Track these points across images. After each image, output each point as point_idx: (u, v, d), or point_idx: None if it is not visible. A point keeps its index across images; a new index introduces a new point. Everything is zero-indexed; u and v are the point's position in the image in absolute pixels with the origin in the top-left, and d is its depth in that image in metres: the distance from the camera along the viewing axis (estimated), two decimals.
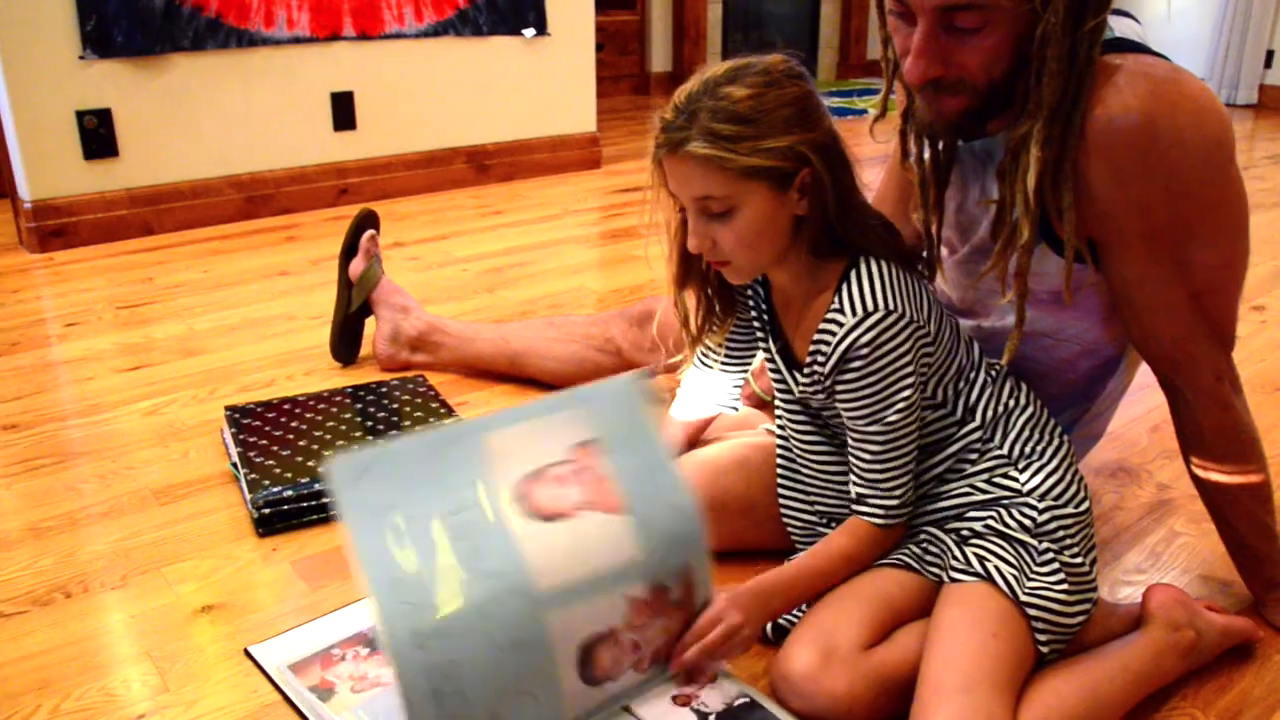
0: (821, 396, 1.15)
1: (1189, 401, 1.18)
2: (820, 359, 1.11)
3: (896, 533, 1.17)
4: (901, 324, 1.07)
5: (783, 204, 1.07)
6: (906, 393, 1.09)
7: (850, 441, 1.14)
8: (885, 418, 1.10)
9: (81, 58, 2.73)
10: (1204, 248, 1.09)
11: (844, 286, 1.09)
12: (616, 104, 5.39)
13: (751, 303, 1.24)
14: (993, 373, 1.19)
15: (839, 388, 1.11)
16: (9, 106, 2.68)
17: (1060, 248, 1.10)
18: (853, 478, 1.15)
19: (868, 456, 1.13)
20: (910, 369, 1.08)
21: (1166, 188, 1.04)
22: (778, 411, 1.30)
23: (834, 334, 1.09)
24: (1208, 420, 1.18)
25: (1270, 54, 5.54)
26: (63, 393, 1.94)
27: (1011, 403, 1.18)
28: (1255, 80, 5.57)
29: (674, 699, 1.06)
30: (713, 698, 1.07)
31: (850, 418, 1.12)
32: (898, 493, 1.13)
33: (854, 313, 1.07)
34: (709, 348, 1.31)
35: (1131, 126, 1.01)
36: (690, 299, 1.25)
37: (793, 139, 1.03)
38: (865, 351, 1.07)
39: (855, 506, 1.15)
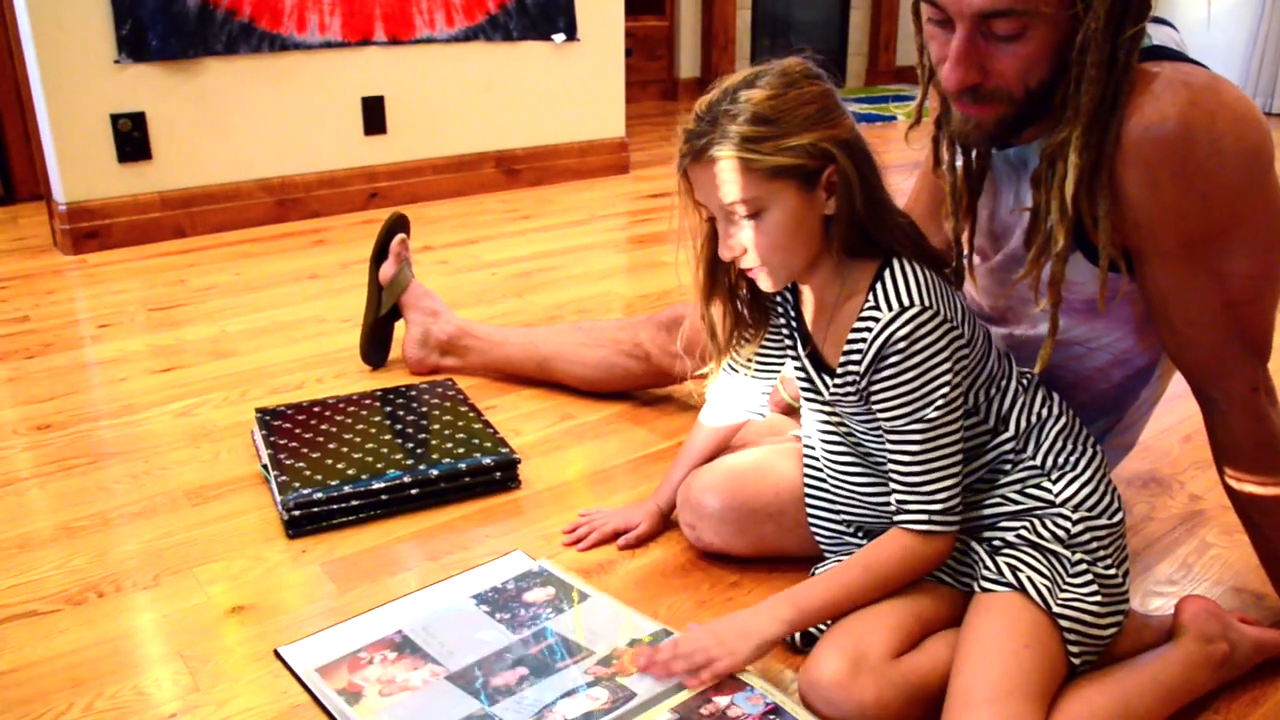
0: (854, 398, 1.14)
1: (1223, 412, 1.17)
2: (856, 357, 1.11)
3: (940, 546, 1.11)
4: (937, 320, 1.07)
5: (811, 203, 1.07)
6: (945, 390, 1.07)
7: (889, 448, 1.12)
8: (925, 415, 1.08)
9: (116, 61, 2.77)
10: (1241, 257, 1.08)
11: (878, 285, 1.09)
12: (645, 109, 5.40)
13: (780, 309, 1.24)
14: (1024, 382, 1.18)
15: (875, 387, 1.10)
16: (45, 109, 2.72)
17: (1094, 256, 1.10)
18: (894, 487, 1.12)
19: (907, 458, 1.10)
20: (948, 365, 1.07)
21: (1204, 196, 1.03)
22: (804, 420, 1.30)
23: (870, 330, 1.08)
24: (1242, 431, 1.17)
25: None
26: (96, 394, 1.96)
27: (1044, 412, 1.17)
28: None
29: (705, 710, 1.06)
30: (743, 707, 1.07)
31: (888, 419, 1.10)
32: (941, 496, 1.09)
33: (889, 308, 1.07)
34: (739, 357, 1.30)
35: (1169, 135, 1.01)
36: (718, 312, 1.24)
37: (816, 136, 1.04)
38: (902, 345, 1.06)
39: (896, 517, 1.12)
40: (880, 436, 1.15)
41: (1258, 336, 1.14)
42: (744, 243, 1.09)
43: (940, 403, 1.07)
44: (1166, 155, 1.01)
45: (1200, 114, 1.01)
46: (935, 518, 1.10)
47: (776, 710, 1.06)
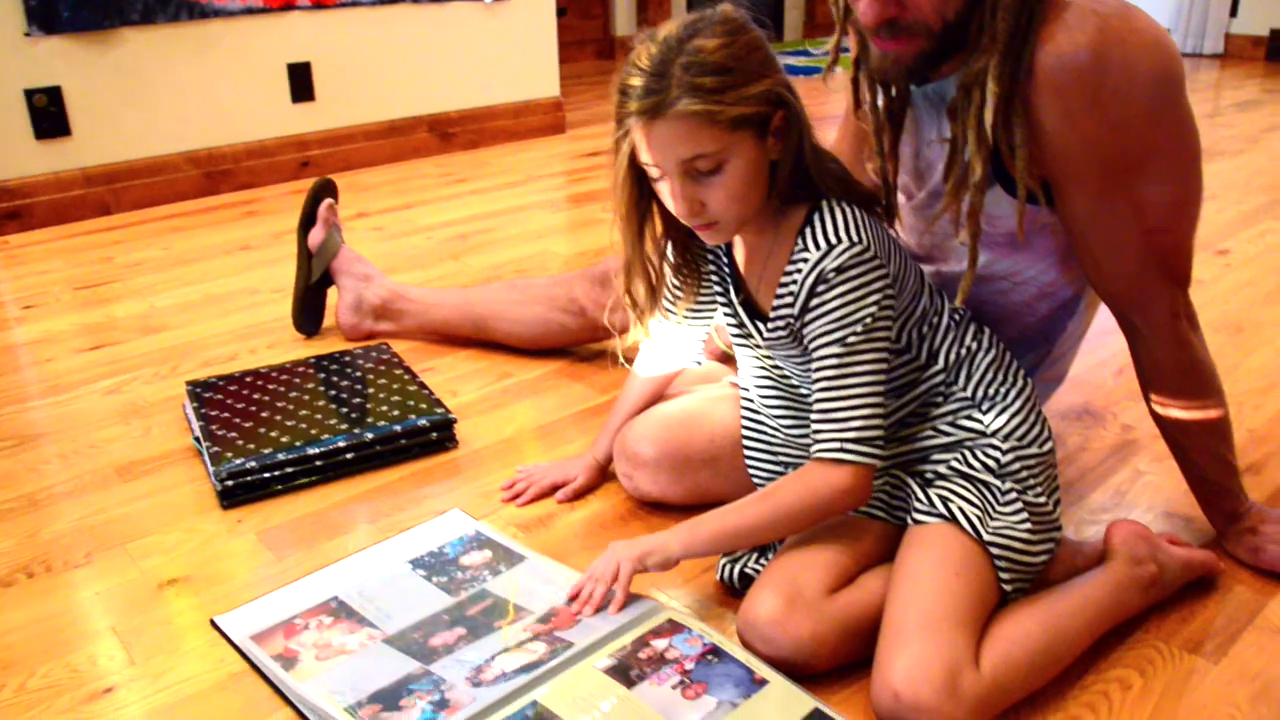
0: (788, 341, 1.14)
1: (1146, 339, 1.18)
2: (789, 299, 1.10)
3: (854, 478, 1.06)
4: (868, 255, 1.06)
5: (764, 151, 1.06)
6: (867, 319, 1.05)
7: (815, 374, 1.09)
8: (844, 339, 1.06)
9: (27, 35, 2.68)
10: (1157, 184, 1.09)
11: (807, 228, 1.08)
12: (582, 69, 5.35)
13: (710, 258, 1.23)
14: (955, 317, 1.19)
15: (807, 321, 1.08)
16: None
17: (1014, 189, 1.10)
18: (813, 418, 1.09)
19: (824, 384, 1.07)
20: (875, 299, 1.06)
21: (1117, 124, 1.04)
22: (739, 367, 1.30)
23: (801, 270, 1.08)
24: (1165, 357, 1.19)
25: (1235, 3, 5.55)
26: (22, 375, 1.91)
27: (974, 345, 1.18)
28: (1221, 30, 5.58)
29: (643, 654, 1.06)
30: (681, 649, 1.07)
31: (813, 349, 1.08)
32: (855, 424, 1.06)
33: (818, 247, 1.07)
34: (672, 306, 1.29)
35: (1081, 63, 1.01)
36: (642, 280, 1.20)
37: (770, 82, 1.03)
38: (832, 277, 1.06)
39: (812, 448, 1.09)
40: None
41: (1176, 263, 1.15)
42: (702, 197, 1.06)
43: (860, 330, 1.06)
44: (1079, 84, 1.01)
45: (1112, 41, 1.01)
46: (847, 445, 1.06)
47: (715, 651, 1.06)
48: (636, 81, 1.03)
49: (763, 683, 1.02)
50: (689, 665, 1.04)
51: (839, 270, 1.06)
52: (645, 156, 1.06)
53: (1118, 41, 1.01)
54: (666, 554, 1.11)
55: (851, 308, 1.06)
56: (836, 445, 1.07)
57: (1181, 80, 1.07)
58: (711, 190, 1.05)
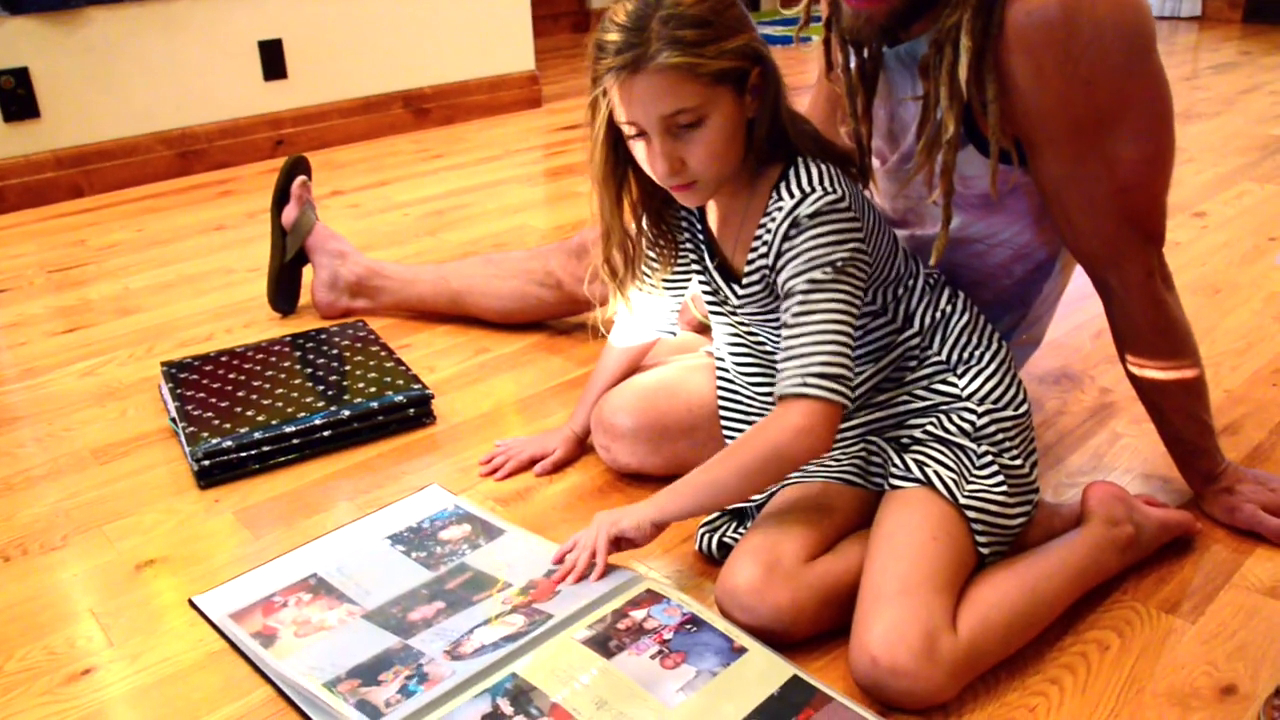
0: (764, 298, 1.13)
1: (1121, 298, 1.18)
2: (763, 249, 1.10)
3: (816, 415, 1.02)
4: (843, 205, 1.06)
5: (742, 108, 1.06)
6: (836, 260, 1.04)
7: (786, 315, 1.06)
8: (813, 276, 1.04)
9: None
10: (1130, 141, 1.09)
11: (782, 182, 1.08)
12: (558, 42, 5.31)
13: (684, 224, 1.23)
14: (930, 280, 1.18)
15: (780, 269, 1.07)
16: None
17: (986, 148, 1.10)
18: (778, 359, 1.07)
19: (791, 322, 1.05)
20: (848, 245, 1.05)
21: (1088, 80, 1.04)
22: (714, 335, 1.29)
23: (775, 219, 1.07)
24: (1140, 316, 1.19)
25: None
26: None
27: (949, 309, 1.17)
28: None
29: (621, 625, 1.06)
30: (660, 619, 1.07)
31: (784, 293, 1.07)
32: (820, 358, 1.02)
33: (792, 196, 1.06)
34: (649, 276, 1.28)
35: (1051, 19, 1.00)
36: (624, 245, 1.19)
37: (747, 37, 1.03)
38: (805, 222, 1.05)
39: (782, 384, 1.05)
40: None
41: (1150, 221, 1.15)
42: (681, 155, 1.05)
43: (829, 268, 1.04)
44: (1049, 40, 1.01)
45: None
46: (809, 380, 1.02)
47: (694, 620, 1.06)
48: (614, 37, 1.01)
49: (741, 651, 1.02)
50: (668, 635, 1.04)
51: (812, 216, 1.05)
52: (623, 115, 1.04)
53: None
54: (640, 519, 1.10)
55: (823, 250, 1.05)
56: (799, 380, 1.03)
57: (1152, 35, 1.06)
58: (692, 147, 1.04)
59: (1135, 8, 1.03)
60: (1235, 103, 3.66)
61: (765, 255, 1.10)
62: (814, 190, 1.06)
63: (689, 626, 1.05)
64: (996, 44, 1.03)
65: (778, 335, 1.16)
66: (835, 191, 1.06)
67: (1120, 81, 1.05)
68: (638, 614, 1.07)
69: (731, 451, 1.08)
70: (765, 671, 1.00)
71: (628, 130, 1.06)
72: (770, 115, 1.07)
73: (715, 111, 1.03)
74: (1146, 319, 1.19)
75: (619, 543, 1.12)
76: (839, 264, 1.05)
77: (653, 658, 1.01)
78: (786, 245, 1.07)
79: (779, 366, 1.06)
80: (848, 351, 1.04)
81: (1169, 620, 1.12)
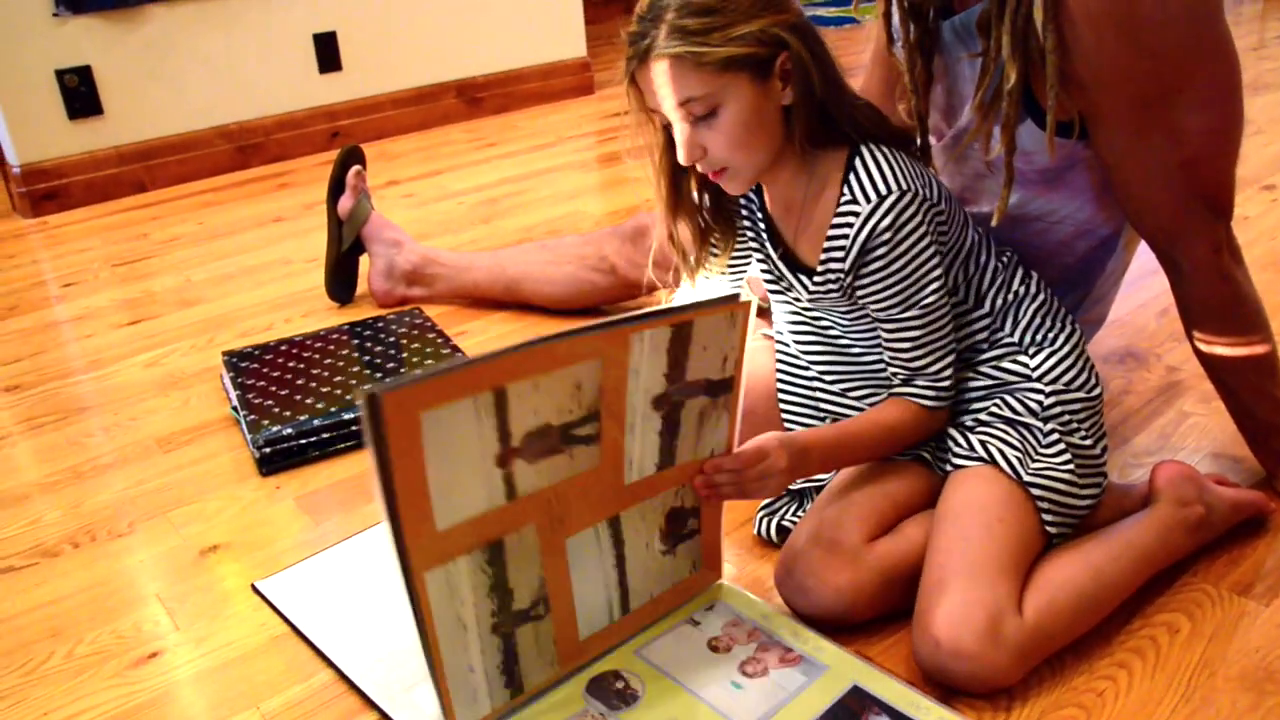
0: (838, 295, 1.12)
1: (1188, 274, 1.15)
2: (839, 254, 1.08)
3: (941, 418, 1.13)
4: (918, 203, 1.04)
5: (767, 95, 1.03)
6: (936, 272, 1.05)
7: (885, 336, 1.10)
8: (921, 300, 1.06)
9: (55, 15, 2.69)
10: (1196, 112, 1.06)
11: (851, 176, 1.06)
12: (609, 29, 5.27)
13: (745, 212, 1.21)
14: (1004, 260, 1.16)
15: (862, 282, 1.07)
16: None
17: (1044, 122, 1.07)
18: (893, 369, 1.12)
19: (907, 344, 1.09)
20: (933, 248, 1.05)
21: (1152, 51, 1.01)
22: (775, 318, 1.28)
23: (852, 224, 1.05)
24: (1209, 292, 1.16)
25: None
26: (64, 351, 1.93)
27: (1022, 290, 1.15)
28: None
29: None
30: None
31: (881, 309, 1.08)
32: (946, 374, 1.10)
33: (868, 199, 1.04)
34: (710, 268, 1.27)
35: None
36: (684, 228, 1.19)
37: (765, 21, 0.99)
38: (887, 236, 1.04)
39: (899, 389, 1.11)
40: (865, 327, 1.14)
41: (1218, 194, 1.11)
42: (702, 143, 1.04)
43: (934, 286, 1.06)
44: (1111, 10, 0.98)
45: None
46: (942, 394, 1.11)
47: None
48: (633, 28, 1.02)
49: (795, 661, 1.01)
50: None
51: (892, 227, 1.03)
52: (649, 102, 1.05)
53: None
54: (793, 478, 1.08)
55: (916, 264, 1.05)
56: (933, 395, 1.11)
57: (1218, 4, 1.03)
58: (711, 135, 1.03)
59: None
60: None
61: (841, 261, 1.08)
62: (889, 191, 1.03)
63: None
64: (1058, 8, 1.00)
65: (851, 322, 1.15)
66: (908, 188, 1.04)
67: (1185, 52, 1.02)
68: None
69: (877, 421, 1.12)
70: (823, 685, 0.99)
71: (656, 117, 1.07)
72: (812, 101, 1.04)
73: (730, 99, 1.01)
74: (1215, 295, 1.16)
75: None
76: (938, 274, 1.06)
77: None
78: (871, 262, 1.05)
79: (903, 376, 1.11)
80: (956, 353, 1.12)
81: (1241, 603, 1.09)
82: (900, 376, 1.11)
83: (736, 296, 1.02)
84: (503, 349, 0.86)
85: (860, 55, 1.10)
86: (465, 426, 0.85)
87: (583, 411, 0.93)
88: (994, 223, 1.13)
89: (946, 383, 1.10)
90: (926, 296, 1.06)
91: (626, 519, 1.02)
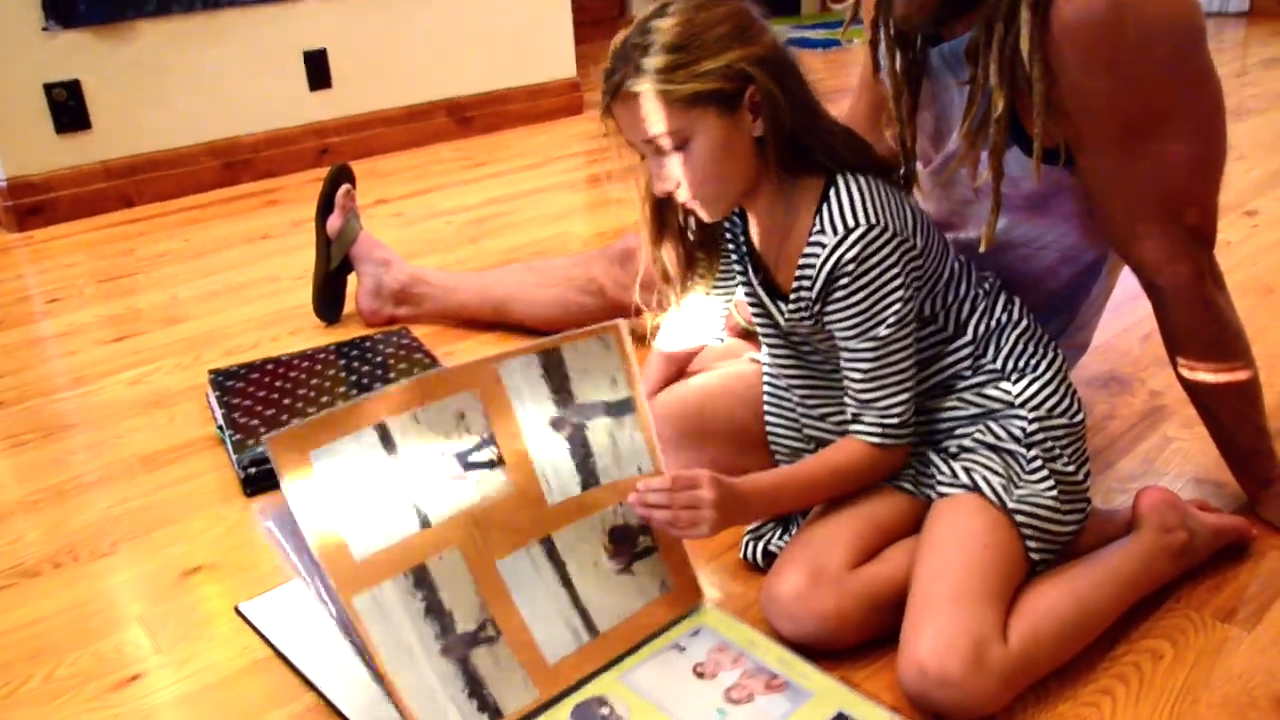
0: (810, 323, 1.13)
1: (1172, 300, 1.16)
2: (806, 283, 1.09)
3: (895, 457, 1.12)
4: (885, 237, 1.04)
5: (737, 127, 1.04)
6: (896, 306, 1.05)
7: (843, 363, 1.11)
8: (876, 333, 1.06)
9: (45, 29, 2.69)
10: (1179, 140, 1.07)
11: (824, 207, 1.07)
12: (598, 49, 5.31)
13: (729, 235, 1.22)
14: (985, 287, 1.17)
15: (828, 309, 1.08)
16: None
17: (1030, 148, 1.08)
18: (847, 399, 1.11)
19: (859, 375, 1.09)
20: (899, 282, 1.05)
21: (1137, 79, 1.02)
22: (761, 342, 1.29)
23: (818, 255, 1.06)
24: (1191, 318, 1.16)
25: None
26: (47, 368, 1.92)
27: (1004, 317, 1.16)
28: None
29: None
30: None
31: (841, 338, 1.09)
32: (895, 411, 1.08)
33: (835, 231, 1.05)
34: (695, 291, 1.28)
35: (1098, 18, 0.99)
36: (669, 252, 1.21)
37: (731, 57, 1.01)
38: (851, 268, 1.04)
39: (850, 426, 1.11)
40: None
41: (1201, 221, 1.13)
42: (675, 175, 1.06)
43: (892, 320, 1.06)
44: (1096, 39, 0.99)
45: None
46: (889, 431, 1.09)
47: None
48: (607, 64, 1.05)
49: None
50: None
51: (856, 259, 1.04)
52: (625, 135, 1.08)
53: None
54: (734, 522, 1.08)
55: (877, 297, 1.05)
56: (879, 430, 1.09)
57: (1202, 32, 1.04)
58: (683, 167, 1.05)
59: (1184, 4, 1.01)
60: None
61: (809, 291, 1.09)
62: (856, 225, 1.04)
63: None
64: (1044, 39, 1.01)
65: (827, 348, 1.15)
66: (877, 222, 1.04)
67: (1169, 80, 1.03)
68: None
69: (827, 463, 1.12)
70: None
71: (634, 150, 1.10)
72: (784, 131, 1.05)
73: (699, 133, 1.03)
74: (1197, 321, 1.16)
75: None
76: (897, 309, 1.05)
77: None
78: (835, 292, 1.06)
79: (854, 409, 1.11)
80: (915, 391, 1.11)
81: (1224, 629, 1.09)
82: (851, 410, 1.11)
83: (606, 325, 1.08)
84: (377, 390, 0.96)
85: (849, 79, 1.10)
86: (355, 461, 0.94)
87: (475, 438, 1.00)
88: (982, 248, 1.14)
89: (895, 420, 1.09)
90: (882, 330, 1.06)
91: (560, 539, 1.04)
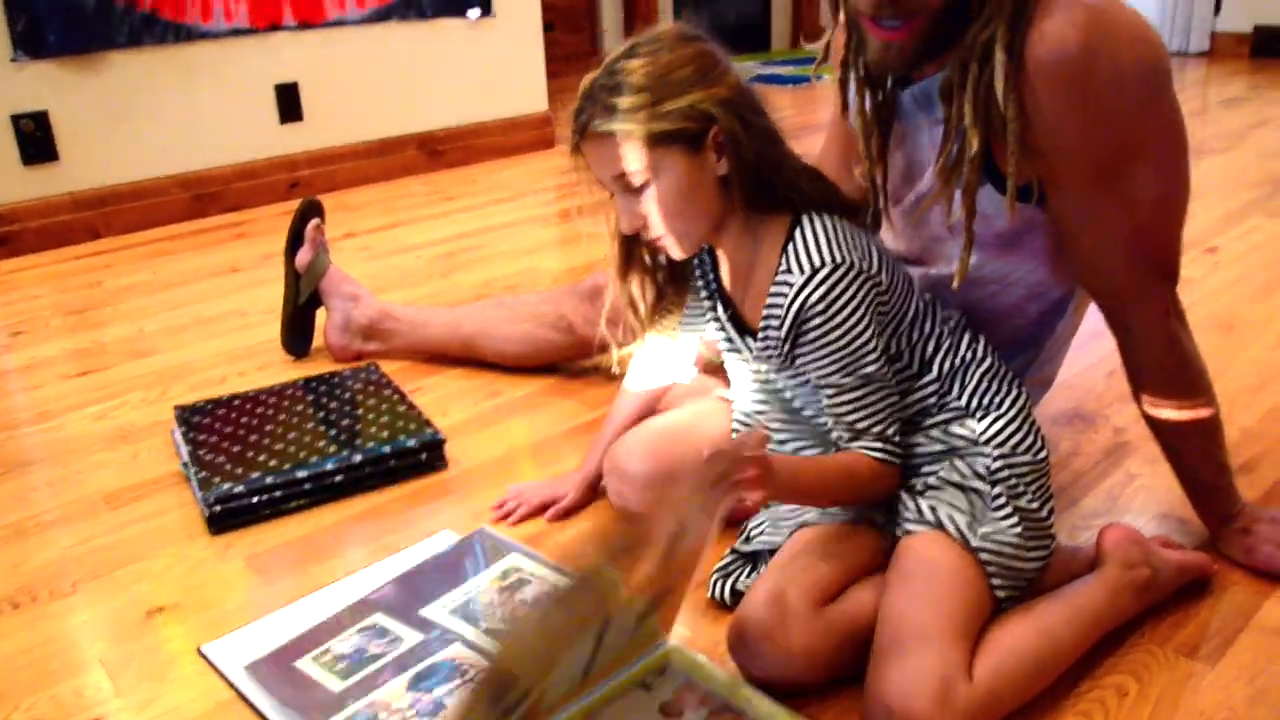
0: (778, 359, 1.14)
1: (1137, 337, 1.18)
2: (774, 323, 1.10)
3: (893, 475, 1.12)
4: (851, 275, 1.05)
5: (702, 166, 1.06)
6: (871, 341, 1.06)
7: (827, 399, 1.11)
8: (861, 369, 1.07)
9: (14, 60, 2.68)
10: (1147, 179, 1.09)
11: (789, 245, 1.08)
12: (569, 83, 5.33)
13: (698, 272, 1.23)
14: (950, 325, 1.18)
15: (801, 351, 1.09)
16: None
17: (1002, 185, 1.09)
18: (837, 432, 1.12)
19: (848, 408, 1.09)
20: (868, 319, 1.06)
21: (1108, 119, 1.04)
22: (730, 378, 1.29)
23: (785, 295, 1.07)
24: (1157, 355, 1.18)
25: (1219, 2, 5.55)
26: (10, 401, 1.90)
27: (969, 355, 1.17)
28: (1206, 28, 5.59)
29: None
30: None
31: (822, 377, 1.09)
32: (891, 432, 1.10)
33: (801, 270, 1.06)
34: (663, 327, 1.28)
35: (1071, 59, 1.01)
36: (637, 288, 1.22)
37: (694, 97, 1.03)
38: (820, 308, 1.05)
39: (849, 445, 1.11)
40: (810, 391, 1.14)
41: (1166, 258, 1.15)
42: (641, 214, 1.08)
43: (872, 356, 1.07)
44: (1069, 79, 1.02)
45: (1099, 35, 1.01)
46: (890, 449, 1.11)
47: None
48: (575, 105, 1.07)
49: None
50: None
51: (824, 299, 1.05)
52: (593, 173, 1.10)
53: (1106, 35, 1.02)
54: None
55: (851, 337, 1.06)
56: (880, 447, 1.10)
57: (1169, 73, 1.07)
58: (649, 206, 1.07)
59: (1152, 45, 1.04)
60: (1246, 137, 3.66)
61: (777, 330, 1.10)
62: (822, 264, 1.05)
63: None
64: (1018, 79, 1.03)
65: (796, 385, 1.16)
66: (843, 261, 1.05)
67: (1139, 120, 1.06)
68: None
69: (841, 465, 1.11)
70: None
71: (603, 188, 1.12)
72: (748, 170, 1.07)
73: (664, 172, 1.05)
74: (1162, 356, 1.18)
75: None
76: (874, 344, 1.07)
77: None
78: (806, 334, 1.07)
79: (850, 435, 1.11)
80: (898, 411, 1.11)
81: (1188, 664, 1.10)
82: (846, 437, 1.11)
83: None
84: None
85: (817, 115, 1.13)
86: None
87: None
88: (955, 285, 1.15)
89: (895, 440, 1.11)
90: (866, 366, 1.07)
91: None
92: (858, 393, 1.09)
